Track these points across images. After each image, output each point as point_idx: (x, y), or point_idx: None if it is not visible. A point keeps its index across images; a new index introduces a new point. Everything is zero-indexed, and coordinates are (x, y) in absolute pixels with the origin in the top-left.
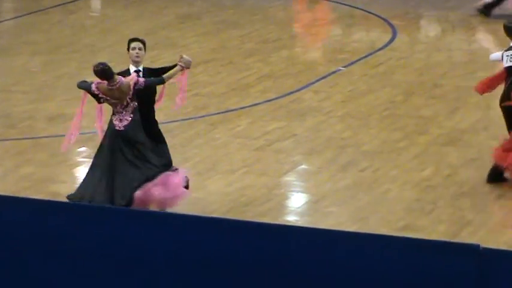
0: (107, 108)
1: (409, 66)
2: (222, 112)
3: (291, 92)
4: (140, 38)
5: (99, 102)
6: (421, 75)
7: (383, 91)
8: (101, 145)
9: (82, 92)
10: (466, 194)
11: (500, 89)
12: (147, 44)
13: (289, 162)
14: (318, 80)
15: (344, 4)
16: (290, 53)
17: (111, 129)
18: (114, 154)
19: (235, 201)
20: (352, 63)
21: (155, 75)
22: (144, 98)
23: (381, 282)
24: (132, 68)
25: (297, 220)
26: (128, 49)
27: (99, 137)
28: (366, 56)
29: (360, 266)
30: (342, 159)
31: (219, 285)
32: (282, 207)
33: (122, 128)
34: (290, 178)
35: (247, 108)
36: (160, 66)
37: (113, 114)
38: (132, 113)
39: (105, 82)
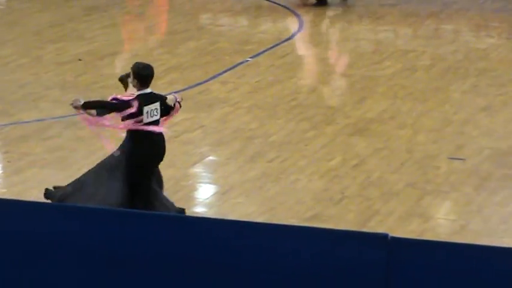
0: None
1: (316, 57)
2: None
3: (199, 84)
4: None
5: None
6: (328, 66)
7: (290, 81)
8: None
9: None
10: (373, 184)
11: (410, 78)
12: (53, 37)
13: (196, 153)
14: (225, 71)
15: None
16: (197, 45)
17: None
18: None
19: None
20: (259, 54)
21: None
22: None
23: (290, 272)
24: None
25: (205, 211)
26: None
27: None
28: (272, 47)
29: (269, 257)
30: (249, 150)
31: (123, 279)
32: (190, 198)
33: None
34: (198, 169)
35: None
36: None
37: None
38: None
39: None
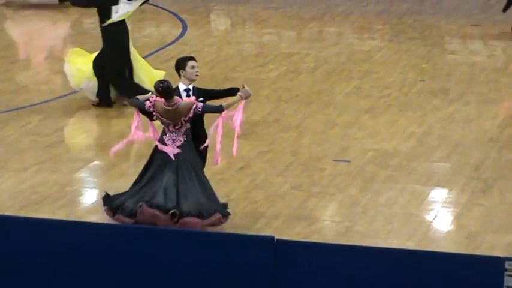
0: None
1: (200, 60)
2: (12, 110)
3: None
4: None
5: (151, 120)
6: (212, 69)
7: (174, 85)
8: (150, 164)
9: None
10: (258, 186)
11: (294, 81)
12: None
13: (81, 158)
14: None
15: None
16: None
17: (156, 147)
18: (167, 173)
19: (28, 199)
20: (144, 58)
21: (203, 94)
22: (198, 119)
23: (177, 275)
24: (183, 87)
25: (90, 216)
26: (183, 67)
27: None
28: (156, 51)
29: (156, 261)
30: (133, 155)
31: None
32: (75, 203)
33: (176, 152)
34: (83, 174)
35: (38, 106)
36: (209, 88)
37: (164, 133)
38: (185, 134)
39: (162, 100)
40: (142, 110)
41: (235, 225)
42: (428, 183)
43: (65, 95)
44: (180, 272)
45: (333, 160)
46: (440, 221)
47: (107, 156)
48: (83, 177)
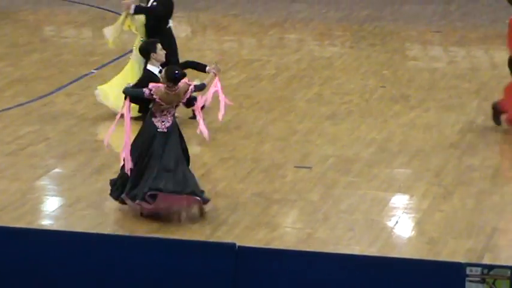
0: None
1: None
2: None
3: (43, 96)
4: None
5: (148, 106)
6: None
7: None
8: (137, 146)
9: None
10: (220, 193)
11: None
12: None
13: (42, 166)
14: (70, 83)
15: (95, 6)
16: (41, 57)
17: (150, 131)
18: (156, 154)
19: None
20: (104, 65)
21: None
22: None
23: (138, 283)
24: (155, 69)
25: (52, 224)
26: (154, 50)
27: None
28: (117, 58)
29: (118, 268)
30: (95, 162)
31: None
32: (36, 211)
33: (165, 130)
34: (44, 182)
35: None
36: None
37: (154, 116)
38: (172, 115)
39: (163, 86)
40: (138, 98)
41: (196, 232)
42: (389, 189)
43: (25, 103)
44: (141, 279)
45: (294, 167)
46: (401, 227)
47: (68, 164)
48: (44, 184)
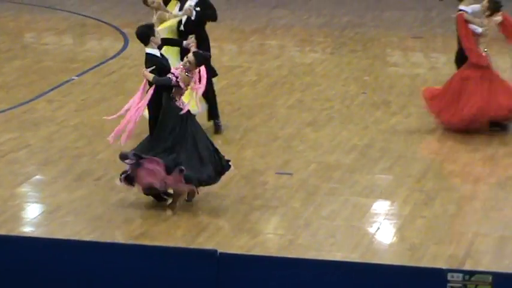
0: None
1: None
2: None
3: (24, 103)
4: None
5: (171, 91)
6: None
7: (116, 99)
8: (165, 128)
9: (142, 85)
10: (201, 199)
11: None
12: None
13: (23, 173)
14: (51, 90)
15: (76, 13)
16: (22, 63)
17: (177, 114)
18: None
19: None
20: (85, 72)
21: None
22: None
23: None
24: (156, 51)
25: (33, 231)
26: (153, 34)
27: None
28: (98, 65)
29: (99, 275)
30: (77, 169)
31: None
32: (17, 218)
33: (187, 113)
34: (25, 189)
35: None
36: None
37: (175, 100)
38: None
39: (182, 71)
40: (164, 87)
41: (177, 238)
42: (370, 195)
43: (6, 110)
44: (122, 286)
45: (276, 173)
46: (383, 233)
47: (49, 171)
48: (25, 191)
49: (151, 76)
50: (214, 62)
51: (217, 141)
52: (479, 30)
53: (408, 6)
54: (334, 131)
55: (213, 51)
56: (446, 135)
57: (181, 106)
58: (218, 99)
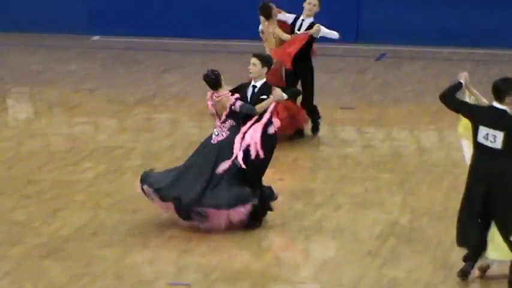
0: None
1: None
2: None
3: None
4: (259, 53)
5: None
6: (10, 169)
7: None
8: (195, 152)
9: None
10: None
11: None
12: None
13: None
14: None
15: None
16: None
17: (207, 140)
18: (204, 164)
19: None
20: None
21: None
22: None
23: None
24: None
25: None
26: None
27: None
28: None
29: None
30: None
31: None
32: None
33: (215, 142)
34: None
35: None
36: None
37: (216, 126)
38: (228, 130)
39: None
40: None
41: None
42: None
43: None
44: None
45: (169, 284)
46: None
47: None
48: None
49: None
50: (87, 142)
51: (92, 244)
52: None
53: (336, 67)
54: (245, 230)
55: (86, 128)
56: (386, 232)
57: (214, 134)
58: (92, 189)
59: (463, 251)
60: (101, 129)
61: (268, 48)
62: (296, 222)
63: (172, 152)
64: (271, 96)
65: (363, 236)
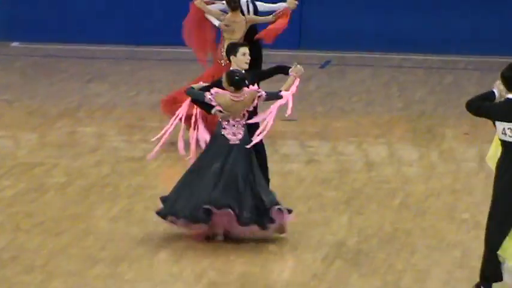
0: None
1: None
2: None
3: None
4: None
5: (209, 113)
6: None
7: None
8: (204, 159)
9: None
10: None
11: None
12: None
13: None
14: None
15: None
16: None
17: (221, 144)
18: (227, 168)
19: None
20: None
21: (258, 77)
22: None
23: None
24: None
25: None
26: (234, 53)
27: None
28: None
29: None
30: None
31: None
32: None
33: (237, 142)
34: None
35: None
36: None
37: (223, 128)
38: (243, 126)
39: (227, 92)
40: (198, 102)
41: None
42: None
43: None
44: None
45: None
46: None
47: None
48: None
49: None
50: (5, 158)
51: (10, 270)
52: None
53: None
54: (176, 252)
55: (4, 143)
56: (332, 255)
57: (227, 135)
58: (11, 209)
59: (414, 275)
60: (21, 144)
61: (237, 38)
62: (232, 245)
63: (98, 168)
64: (292, 73)
65: (307, 259)
